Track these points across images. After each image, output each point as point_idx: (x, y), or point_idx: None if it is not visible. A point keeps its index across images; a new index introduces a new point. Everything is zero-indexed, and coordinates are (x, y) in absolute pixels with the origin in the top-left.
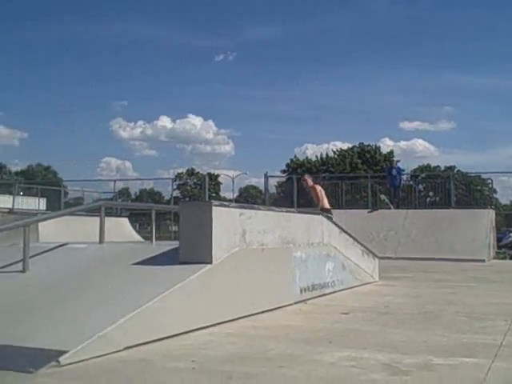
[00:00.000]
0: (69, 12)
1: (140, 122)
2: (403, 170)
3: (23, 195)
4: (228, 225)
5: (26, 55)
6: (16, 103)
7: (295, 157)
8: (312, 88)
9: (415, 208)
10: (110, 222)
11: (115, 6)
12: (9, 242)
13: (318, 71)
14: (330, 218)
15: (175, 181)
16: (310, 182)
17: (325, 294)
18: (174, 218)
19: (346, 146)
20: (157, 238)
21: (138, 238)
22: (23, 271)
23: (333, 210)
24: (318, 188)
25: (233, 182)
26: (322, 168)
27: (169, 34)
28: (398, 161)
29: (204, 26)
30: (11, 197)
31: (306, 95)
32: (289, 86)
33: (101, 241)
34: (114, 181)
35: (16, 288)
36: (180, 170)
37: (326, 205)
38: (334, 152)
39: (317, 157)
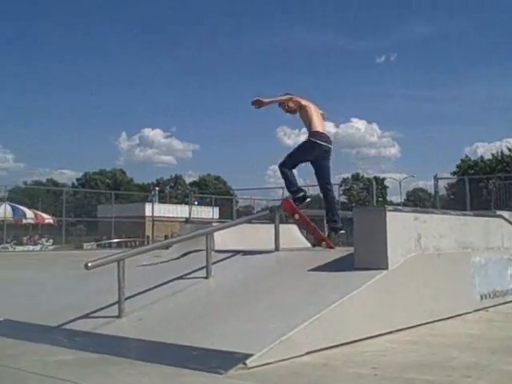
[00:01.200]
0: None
1: (304, 129)
2: None
3: (198, 205)
4: (403, 230)
5: (189, 74)
6: (187, 118)
7: (466, 156)
8: (479, 85)
9: None
10: (280, 228)
11: (279, 16)
12: (185, 250)
13: (484, 69)
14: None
15: (341, 186)
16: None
17: (507, 302)
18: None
19: None
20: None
21: (307, 244)
22: (207, 277)
23: (510, 213)
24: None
25: (400, 185)
26: (498, 167)
27: (327, 39)
28: None
29: (363, 28)
30: (187, 207)
31: (469, 92)
32: (451, 84)
33: (276, 248)
34: (283, 188)
35: (201, 293)
36: (345, 175)
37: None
38: (510, 149)
39: (492, 155)
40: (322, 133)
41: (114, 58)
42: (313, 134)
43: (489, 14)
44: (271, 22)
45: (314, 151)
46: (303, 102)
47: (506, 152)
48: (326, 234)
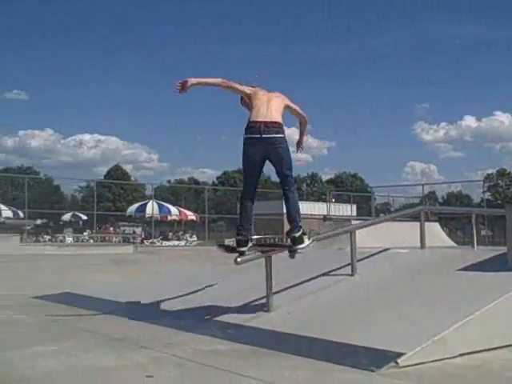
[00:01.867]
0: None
1: (443, 124)
2: None
3: (335, 202)
4: None
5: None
6: (323, 115)
7: None
8: None
9: None
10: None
11: (419, 6)
12: (328, 247)
13: None
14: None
15: (485, 182)
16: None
17: None
18: (487, 223)
19: None
20: (468, 243)
21: (450, 242)
22: (352, 275)
23: None
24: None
25: None
26: None
27: (470, 30)
28: None
29: (500, 16)
30: (325, 204)
31: None
32: None
33: (422, 246)
34: (423, 185)
35: (347, 291)
36: (489, 171)
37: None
38: None
39: None
40: (251, 122)
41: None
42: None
43: None
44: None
45: (248, 152)
46: (247, 90)
47: None
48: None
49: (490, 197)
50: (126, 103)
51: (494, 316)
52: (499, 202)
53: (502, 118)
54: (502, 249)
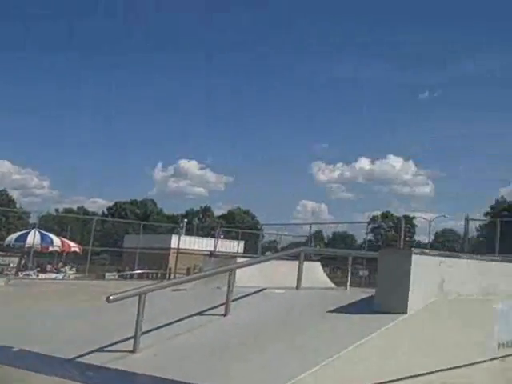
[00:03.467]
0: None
1: (339, 165)
2: None
3: (223, 238)
4: (426, 274)
5: (231, 105)
6: (222, 150)
7: (502, 197)
8: None
9: None
10: (303, 266)
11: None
12: (208, 285)
13: None
14: None
15: (369, 224)
16: None
17: None
18: (366, 263)
19: None
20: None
21: (329, 282)
22: (225, 315)
23: None
24: None
25: (429, 225)
26: None
27: (371, 74)
28: None
29: (408, 63)
30: (213, 240)
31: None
32: (493, 123)
33: (298, 287)
34: (310, 224)
35: (218, 332)
36: (375, 213)
37: None
38: None
39: None
40: None
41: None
42: None
43: None
44: (324, 52)
45: None
46: None
47: None
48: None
49: (372, 238)
50: (21, 124)
51: (352, 358)
52: (380, 243)
53: (393, 162)
54: (374, 291)
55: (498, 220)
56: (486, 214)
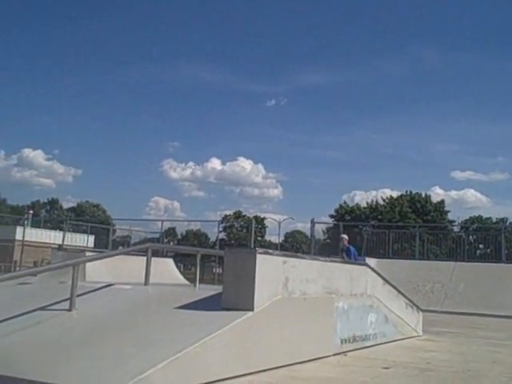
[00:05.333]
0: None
1: (190, 163)
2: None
3: (73, 231)
4: (271, 273)
5: (87, 98)
6: (71, 141)
7: (345, 202)
8: (362, 135)
9: (464, 260)
10: (155, 261)
11: (182, 51)
12: (56, 279)
13: (368, 118)
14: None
15: (222, 223)
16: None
17: (366, 347)
18: (219, 261)
19: (395, 193)
20: (200, 280)
21: (182, 279)
22: (70, 310)
23: (378, 260)
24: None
25: (279, 226)
26: (371, 215)
27: (222, 79)
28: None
29: (257, 71)
30: (61, 233)
31: (356, 142)
32: (339, 132)
33: (146, 282)
34: (162, 221)
35: (61, 327)
36: (227, 212)
37: None
38: (384, 200)
39: (367, 203)
40: None
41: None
42: None
43: (379, 68)
44: (168, 54)
45: None
46: None
47: (381, 202)
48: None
49: (225, 237)
50: None
51: (199, 354)
52: (232, 242)
53: (244, 164)
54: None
55: (341, 224)
56: (331, 217)
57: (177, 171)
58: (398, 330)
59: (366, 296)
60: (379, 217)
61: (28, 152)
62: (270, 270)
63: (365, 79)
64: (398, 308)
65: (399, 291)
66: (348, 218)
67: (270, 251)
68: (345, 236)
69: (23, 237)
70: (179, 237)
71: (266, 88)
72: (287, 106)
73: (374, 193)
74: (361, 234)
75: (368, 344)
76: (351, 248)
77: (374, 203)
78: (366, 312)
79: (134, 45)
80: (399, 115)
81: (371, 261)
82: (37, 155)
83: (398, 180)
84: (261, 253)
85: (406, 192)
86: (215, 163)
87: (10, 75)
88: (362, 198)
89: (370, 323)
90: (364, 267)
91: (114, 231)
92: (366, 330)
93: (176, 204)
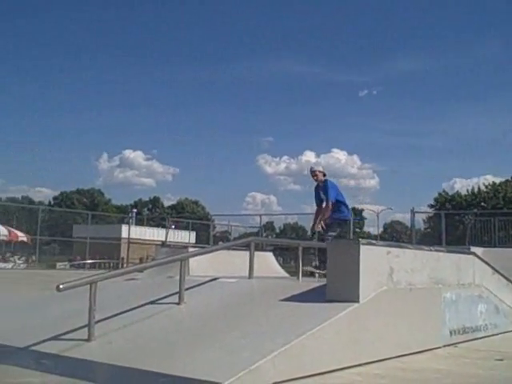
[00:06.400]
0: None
1: (285, 158)
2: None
3: (175, 228)
4: (375, 264)
5: (181, 97)
6: (167, 141)
7: (444, 191)
8: (460, 121)
9: None
10: (256, 256)
11: (270, 47)
12: (162, 274)
13: (466, 103)
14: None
15: None
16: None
17: (477, 338)
18: (318, 253)
19: (497, 180)
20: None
21: (282, 272)
22: (179, 303)
23: (484, 249)
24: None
25: (377, 217)
26: (474, 202)
27: (312, 71)
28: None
29: (347, 62)
30: (164, 230)
31: (454, 128)
32: (435, 119)
33: (250, 276)
34: (260, 215)
35: (172, 319)
36: None
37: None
38: (486, 186)
39: (467, 190)
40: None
41: (97, 78)
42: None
43: (476, 51)
44: (257, 50)
45: None
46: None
47: (483, 188)
48: None
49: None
50: None
51: (307, 345)
52: None
53: (338, 156)
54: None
55: (443, 212)
56: (431, 207)
57: (272, 166)
58: (510, 321)
59: (474, 286)
60: (482, 204)
61: (129, 153)
62: (374, 260)
63: (461, 63)
64: (510, 298)
65: (510, 280)
66: (448, 206)
67: (374, 242)
68: (317, 168)
69: (129, 235)
70: (277, 230)
71: (357, 78)
72: (379, 95)
73: (475, 180)
74: (463, 223)
75: (479, 335)
76: (330, 183)
77: (476, 190)
78: (475, 302)
79: (226, 42)
80: (499, 98)
81: (477, 250)
82: (137, 156)
83: (501, 166)
84: (364, 244)
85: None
86: (309, 156)
87: (112, 79)
88: (462, 185)
89: (480, 314)
90: (471, 256)
91: (214, 227)
92: (475, 320)
93: (272, 198)
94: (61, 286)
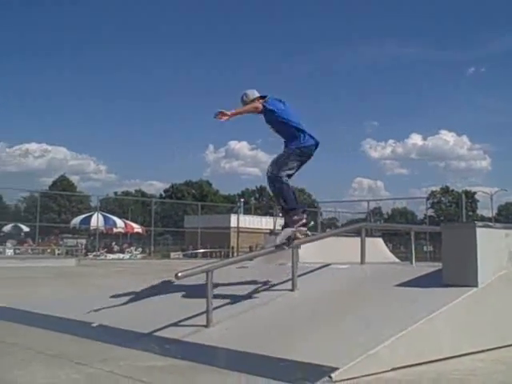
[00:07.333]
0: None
1: (390, 141)
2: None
3: (281, 216)
4: (493, 247)
5: (275, 83)
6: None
7: None
8: None
9: None
10: (365, 241)
11: (373, 32)
12: (271, 262)
13: None
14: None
15: (428, 199)
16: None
17: None
18: (429, 238)
19: None
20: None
21: (393, 258)
22: (292, 290)
23: None
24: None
25: (491, 199)
26: None
27: (416, 52)
28: None
29: (451, 40)
30: (271, 218)
31: None
32: None
33: (362, 261)
34: (368, 201)
35: (287, 306)
36: (433, 188)
37: None
38: None
39: None
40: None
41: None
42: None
43: None
44: (361, 36)
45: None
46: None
47: None
48: None
49: (433, 213)
50: (77, 113)
51: (426, 331)
52: (441, 218)
53: (446, 137)
54: (441, 265)
55: None
56: None
57: (377, 150)
58: None
59: None
60: None
61: (234, 144)
62: (491, 243)
63: None
64: None
65: None
66: None
67: (491, 224)
68: (250, 92)
69: (238, 224)
70: (385, 216)
71: (463, 56)
72: (487, 72)
73: None
74: None
75: None
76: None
77: None
78: None
79: (332, 30)
80: None
81: None
82: (242, 146)
83: None
84: (481, 226)
85: None
86: (416, 139)
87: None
88: None
89: None
90: None
91: (321, 214)
92: None
93: (379, 183)
94: (179, 274)
